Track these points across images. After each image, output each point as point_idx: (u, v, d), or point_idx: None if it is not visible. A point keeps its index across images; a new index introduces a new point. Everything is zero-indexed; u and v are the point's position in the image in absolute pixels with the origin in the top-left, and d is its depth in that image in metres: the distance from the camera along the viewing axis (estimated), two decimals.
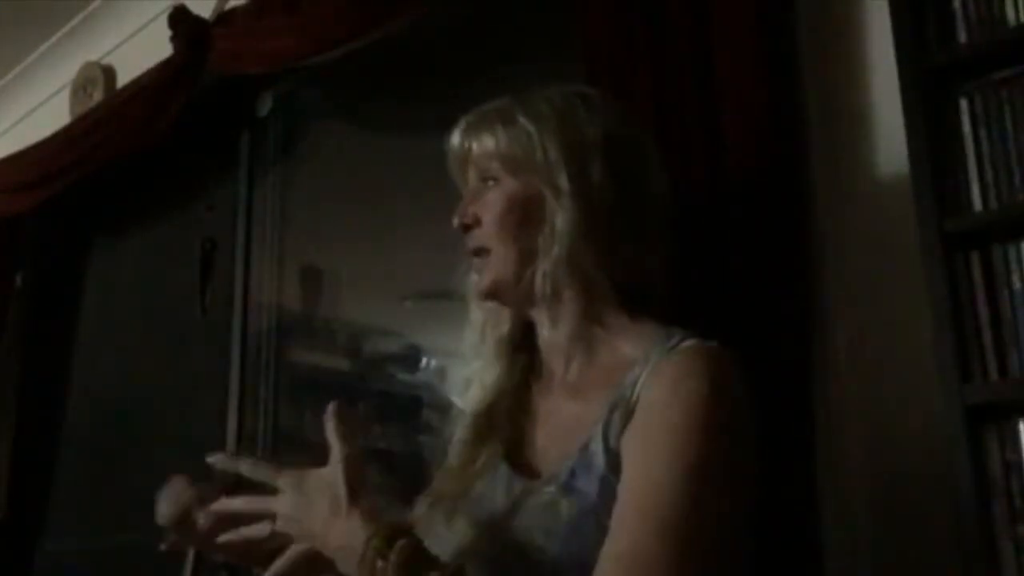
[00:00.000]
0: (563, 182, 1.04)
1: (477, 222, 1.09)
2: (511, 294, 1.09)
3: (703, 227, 1.29)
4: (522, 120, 1.06)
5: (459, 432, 1.13)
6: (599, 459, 0.96)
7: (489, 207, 1.08)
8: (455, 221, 1.11)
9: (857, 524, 1.21)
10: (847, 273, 1.28)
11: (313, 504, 0.94)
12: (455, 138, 1.12)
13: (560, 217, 1.03)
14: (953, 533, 1.04)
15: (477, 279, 1.10)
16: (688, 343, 1.00)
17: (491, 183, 1.08)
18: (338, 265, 2.37)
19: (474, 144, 1.10)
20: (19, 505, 2.74)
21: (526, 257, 1.06)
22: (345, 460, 0.95)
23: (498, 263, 1.07)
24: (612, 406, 0.98)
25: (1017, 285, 1.05)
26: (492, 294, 1.10)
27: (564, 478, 0.97)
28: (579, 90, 1.11)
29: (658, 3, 1.39)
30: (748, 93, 1.29)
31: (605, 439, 0.97)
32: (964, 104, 1.11)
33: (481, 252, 1.09)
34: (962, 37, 1.12)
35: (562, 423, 1.06)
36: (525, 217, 1.06)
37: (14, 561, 2.71)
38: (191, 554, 1.37)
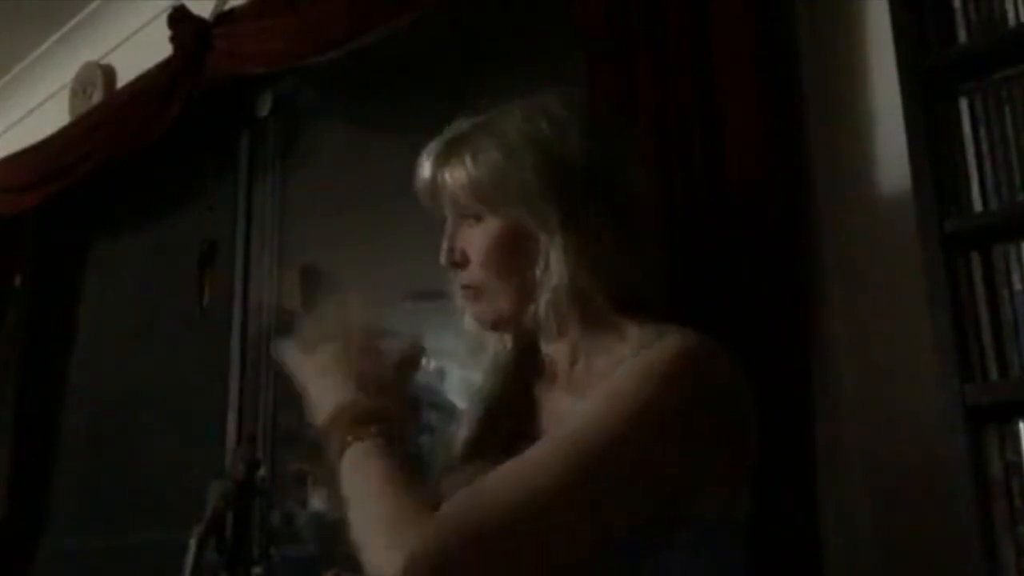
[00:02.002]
0: (549, 213, 1.02)
1: (465, 260, 1.08)
2: (513, 324, 1.09)
3: (703, 227, 1.29)
4: (492, 151, 1.04)
5: (463, 431, 1.14)
6: None
7: (476, 247, 1.06)
8: (442, 259, 1.09)
9: (857, 524, 1.21)
10: (847, 273, 1.28)
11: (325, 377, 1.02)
12: (425, 170, 1.10)
13: (553, 249, 1.02)
14: (953, 533, 1.04)
15: (475, 311, 1.09)
16: (675, 334, 0.98)
17: (472, 220, 1.07)
18: (338, 265, 2.36)
19: (447, 177, 1.07)
20: (19, 505, 2.74)
21: (524, 292, 1.05)
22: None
23: (496, 300, 1.06)
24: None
25: (1017, 285, 1.05)
26: (495, 327, 1.10)
27: None
28: (543, 106, 1.07)
29: (658, 4, 1.39)
30: (748, 93, 1.29)
31: None
32: (964, 104, 1.11)
33: (471, 287, 1.08)
34: (962, 37, 1.12)
35: (558, 419, 1.06)
36: (516, 253, 1.04)
37: (14, 561, 2.71)
38: (191, 553, 1.36)
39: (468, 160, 1.05)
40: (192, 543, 1.34)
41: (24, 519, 2.74)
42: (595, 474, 0.87)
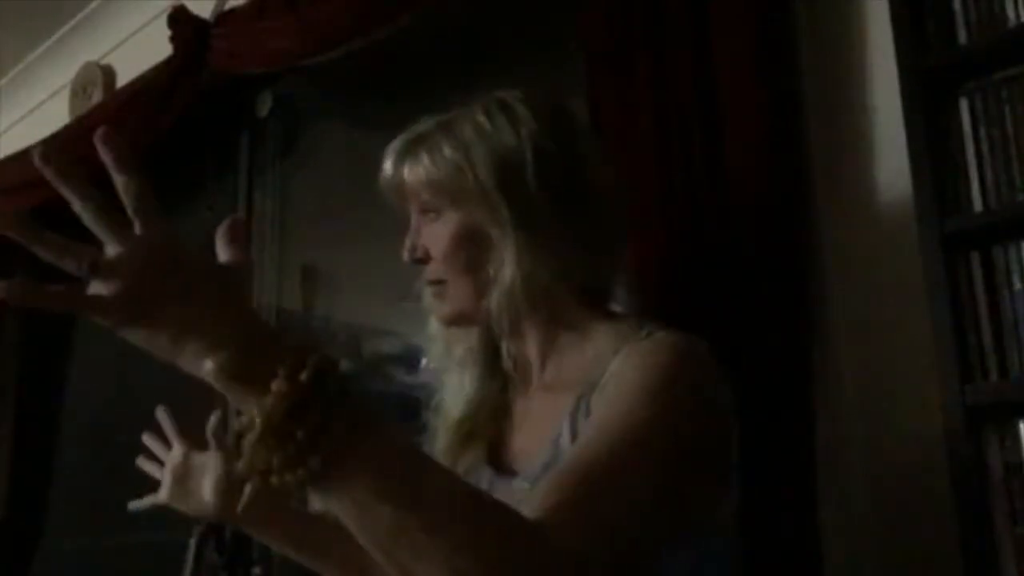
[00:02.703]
0: (501, 208, 1.02)
1: (427, 256, 1.08)
2: (473, 321, 1.09)
3: (703, 227, 1.29)
4: (447, 149, 1.05)
5: (440, 440, 1.13)
6: (568, 447, 0.96)
7: (436, 241, 1.07)
8: (405, 256, 1.09)
9: (857, 524, 1.21)
10: (847, 273, 1.28)
11: (184, 278, 0.67)
12: (387, 168, 1.11)
13: (506, 244, 1.02)
14: (953, 533, 1.04)
15: (437, 307, 1.09)
16: (660, 332, 0.99)
17: (433, 215, 1.07)
18: (338, 265, 2.36)
19: (406, 174, 1.08)
20: (19, 505, 2.74)
21: (481, 287, 1.05)
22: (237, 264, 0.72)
23: (456, 294, 1.07)
24: (580, 395, 0.98)
25: (1017, 285, 1.05)
26: (455, 322, 1.10)
27: (537, 473, 0.97)
28: (502, 100, 1.08)
29: (658, 4, 1.39)
30: (748, 93, 1.29)
31: (573, 428, 0.97)
32: (964, 104, 1.11)
33: (437, 283, 1.08)
34: (962, 37, 1.12)
35: (537, 421, 1.06)
36: (472, 248, 1.05)
37: (14, 561, 2.71)
38: (191, 553, 1.37)
39: (425, 157, 1.06)
40: (192, 543, 1.34)
41: (24, 519, 2.74)
42: (613, 505, 0.82)
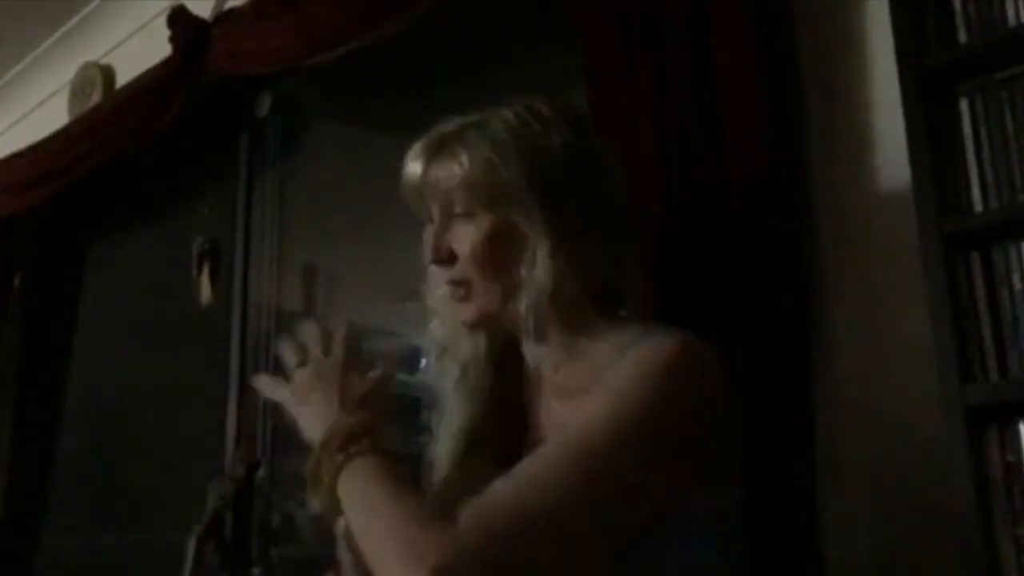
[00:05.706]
0: (535, 210, 1.03)
1: (452, 257, 1.07)
2: (497, 323, 1.09)
3: (703, 227, 1.29)
4: (483, 148, 1.04)
5: (446, 446, 1.13)
6: None
7: (465, 242, 1.06)
8: (428, 256, 1.09)
9: (857, 525, 1.21)
10: (847, 273, 1.28)
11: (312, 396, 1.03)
12: (414, 167, 1.09)
13: (540, 246, 1.02)
14: (953, 533, 1.04)
15: (460, 309, 1.08)
16: (662, 334, 0.99)
17: (464, 216, 1.06)
18: (338, 265, 2.36)
19: (439, 174, 1.07)
20: (19, 505, 2.74)
21: (510, 289, 1.05)
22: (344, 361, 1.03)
23: (482, 295, 1.06)
24: None
25: (1017, 285, 1.04)
26: (479, 324, 1.09)
27: None
28: (530, 106, 1.08)
29: (658, 4, 1.38)
30: (748, 93, 1.29)
31: None
32: (964, 104, 1.11)
33: (459, 284, 1.07)
34: (962, 37, 1.12)
35: (552, 425, 1.06)
36: (505, 251, 1.04)
37: (14, 561, 2.71)
38: (191, 553, 1.37)
39: (463, 157, 1.05)
40: (192, 543, 1.34)
41: (24, 519, 2.74)
42: (604, 480, 0.87)
